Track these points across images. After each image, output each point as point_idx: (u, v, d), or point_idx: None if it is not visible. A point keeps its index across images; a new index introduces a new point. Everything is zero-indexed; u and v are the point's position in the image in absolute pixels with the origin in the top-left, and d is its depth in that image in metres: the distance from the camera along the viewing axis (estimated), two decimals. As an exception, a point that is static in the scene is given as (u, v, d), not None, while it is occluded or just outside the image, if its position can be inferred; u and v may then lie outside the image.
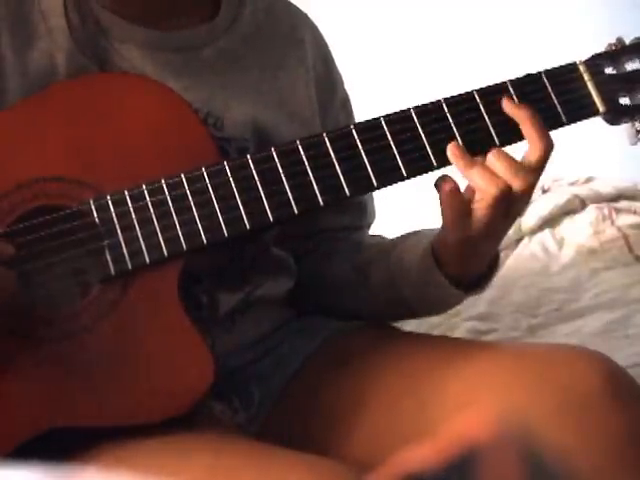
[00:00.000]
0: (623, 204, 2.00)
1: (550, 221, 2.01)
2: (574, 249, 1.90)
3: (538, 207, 2.03)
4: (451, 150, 0.96)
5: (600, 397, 0.87)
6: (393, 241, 1.11)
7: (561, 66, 1.01)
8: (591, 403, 0.87)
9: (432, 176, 0.97)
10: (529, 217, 2.01)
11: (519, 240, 1.99)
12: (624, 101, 1.01)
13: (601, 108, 1.00)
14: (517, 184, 0.93)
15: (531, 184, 0.94)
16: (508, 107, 0.97)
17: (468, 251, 0.98)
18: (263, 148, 0.98)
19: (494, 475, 0.37)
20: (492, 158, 0.94)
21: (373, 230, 1.19)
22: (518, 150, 0.97)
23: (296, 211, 0.94)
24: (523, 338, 1.56)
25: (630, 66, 1.02)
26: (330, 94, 1.15)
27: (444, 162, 0.97)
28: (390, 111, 0.97)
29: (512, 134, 0.98)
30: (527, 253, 1.94)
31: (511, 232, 1.99)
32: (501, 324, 1.63)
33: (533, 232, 1.99)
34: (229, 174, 0.94)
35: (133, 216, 0.93)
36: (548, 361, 0.93)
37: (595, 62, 1.02)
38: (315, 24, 1.17)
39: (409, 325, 1.63)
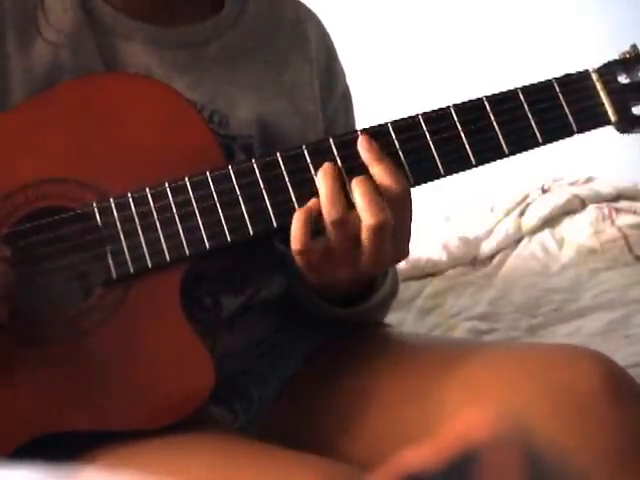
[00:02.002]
0: (623, 204, 2.00)
1: (550, 221, 2.00)
2: (574, 249, 1.90)
3: (538, 207, 2.03)
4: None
5: (600, 397, 0.87)
6: None
7: (573, 74, 0.99)
8: (591, 403, 0.87)
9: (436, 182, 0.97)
10: (529, 217, 2.01)
11: (519, 240, 1.99)
12: (637, 110, 0.99)
13: (613, 118, 0.98)
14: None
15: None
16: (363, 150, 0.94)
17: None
18: (268, 144, 0.97)
19: (494, 475, 0.37)
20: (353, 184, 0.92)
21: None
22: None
23: None
24: (523, 338, 1.56)
25: None
26: (331, 84, 1.15)
27: (452, 170, 0.96)
28: (391, 112, 0.97)
29: (523, 143, 0.96)
30: (527, 253, 1.93)
31: (511, 232, 1.99)
32: (501, 324, 1.63)
33: (533, 232, 1.99)
34: (234, 180, 0.94)
35: (136, 220, 0.92)
36: (548, 361, 0.93)
37: (608, 70, 0.99)
38: (319, 17, 1.17)
39: (408, 325, 1.64)
